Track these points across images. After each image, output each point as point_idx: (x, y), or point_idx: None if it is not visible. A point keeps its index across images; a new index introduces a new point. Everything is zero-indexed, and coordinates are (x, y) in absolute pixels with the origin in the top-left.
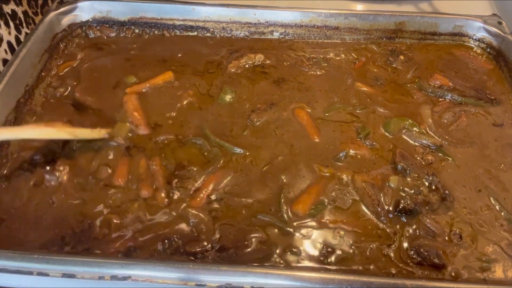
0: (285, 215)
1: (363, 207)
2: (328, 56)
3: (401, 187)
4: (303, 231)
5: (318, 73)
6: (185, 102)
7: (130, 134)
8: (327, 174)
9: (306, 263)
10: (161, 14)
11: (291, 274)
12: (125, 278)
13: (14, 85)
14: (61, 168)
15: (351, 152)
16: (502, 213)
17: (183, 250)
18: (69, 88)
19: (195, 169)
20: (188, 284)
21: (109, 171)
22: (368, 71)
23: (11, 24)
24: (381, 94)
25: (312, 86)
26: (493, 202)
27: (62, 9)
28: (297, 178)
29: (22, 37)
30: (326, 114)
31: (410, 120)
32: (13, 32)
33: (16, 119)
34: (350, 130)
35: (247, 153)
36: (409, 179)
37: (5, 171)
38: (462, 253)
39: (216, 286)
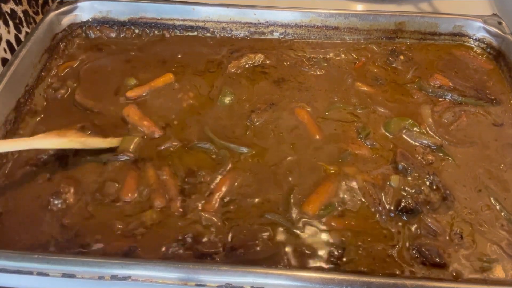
0: (294, 216)
1: (364, 206)
2: (328, 56)
3: (402, 187)
4: (311, 231)
5: (318, 73)
6: (185, 105)
7: (140, 144)
8: (333, 171)
9: (312, 264)
10: (161, 14)
11: (291, 274)
12: (125, 278)
13: (14, 85)
14: (66, 190)
15: (352, 151)
16: (502, 213)
17: (196, 250)
18: (69, 89)
19: (205, 173)
20: (188, 284)
21: (117, 186)
22: (368, 71)
23: (10, 23)
24: (381, 94)
25: (312, 86)
26: (493, 202)
27: (62, 9)
28: (304, 178)
29: (22, 36)
30: (327, 113)
31: (410, 120)
32: (13, 31)
33: (16, 119)
34: (351, 130)
35: (253, 152)
36: (410, 178)
37: (6, 171)
38: (463, 253)
39: (216, 286)
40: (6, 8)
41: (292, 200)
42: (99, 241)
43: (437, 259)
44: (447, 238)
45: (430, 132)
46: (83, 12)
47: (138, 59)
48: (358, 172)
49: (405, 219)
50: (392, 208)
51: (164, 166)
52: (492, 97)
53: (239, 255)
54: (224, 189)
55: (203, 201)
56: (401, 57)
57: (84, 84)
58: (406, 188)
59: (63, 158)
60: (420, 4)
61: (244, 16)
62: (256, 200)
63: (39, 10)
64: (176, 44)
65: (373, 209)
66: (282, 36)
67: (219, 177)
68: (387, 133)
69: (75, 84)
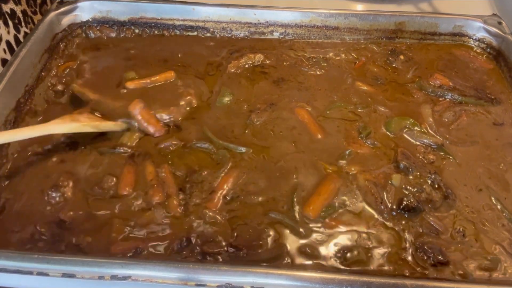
0: (297, 215)
1: (366, 205)
2: (328, 56)
3: (403, 185)
4: (314, 232)
5: (318, 72)
6: (185, 102)
7: (139, 139)
8: (335, 171)
9: (316, 264)
10: (161, 14)
11: (291, 274)
12: (125, 278)
13: (14, 85)
14: (65, 183)
15: (353, 151)
16: (504, 214)
17: (200, 250)
18: (69, 89)
19: (206, 172)
20: (188, 284)
21: (115, 180)
22: (368, 71)
23: (10, 23)
24: (382, 94)
25: (312, 85)
26: (494, 202)
27: (62, 9)
28: (306, 177)
29: (21, 37)
30: (327, 112)
31: (411, 120)
32: (12, 31)
33: (16, 119)
34: (352, 129)
35: (251, 151)
36: (411, 177)
37: (6, 171)
38: (465, 251)
39: (216, 286)
40: (6, 8)
41: (295, 199)
42: (96, 239)
43: (440, 257)
44: (449, 236)
45: (430, 132)
46: (83, 12)
47: (139, 57)
48: (359, 171)
49: (407, 217)
50: (394, 206)
51: (163, 163)
52: (492, 97)
53: (243, 256)
54: (226, 187)
55: (204, 199)
56: (401, 57)
57: (84, 77)
58: (408, 187)
59: (64, 149)
60: (420, 4)
61: (244, 16)
62: (260, 198)
63: (37, 10)
64: (176, 44)
65: (375, 208)
66: (282, 36)
67: (221, 175)
68: (388, 133)
69: (74, 84)
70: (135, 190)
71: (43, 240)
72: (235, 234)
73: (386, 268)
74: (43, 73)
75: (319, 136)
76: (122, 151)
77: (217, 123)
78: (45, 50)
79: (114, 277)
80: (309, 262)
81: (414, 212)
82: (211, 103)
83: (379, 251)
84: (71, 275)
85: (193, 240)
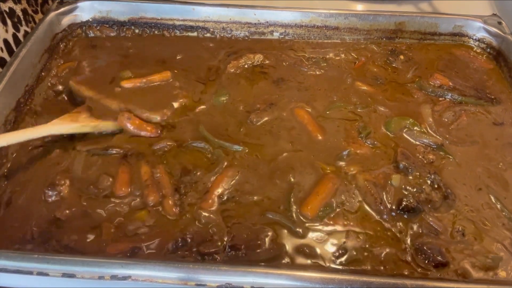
0: (294, 215)
1: (366, 206)
2: (327, 56)
3: (403, 186)
4: (312, 232)
5: (318, 73)
6: (179, 103)
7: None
8: (333, 170)
9: (314, 264)
10: (161, 14)
11: (291, 274)
12: (125, 278)
13: (14, 85)
14: (62, 182)
15: (353, 151)
16: (504, 213)
17: (196, 250)
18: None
19: (200, 172)
20: (188, 284)
21: (111, 180)
22: (368, 71)
23: (9, 22)
24: (381, 93)
25: (312, 85)
26: (494, 201)
27: (62, 9)
28: (304, 177)
29: (20, 35)
30: (327, 112)
31: (411, 119)
32: (11, 30)
33: (16, 119)
34: (352, 129)
35: (246, 150)
36: (411, 177)
37: (5, 171)
38: (465, 251)
39: (216, 286)
40: (5, 7)
41: (292, 199)
42: (92, 239)
43: (439, 258)
44: (449, 236)
45: (430, 131)
46: (83, 12)
47: (137, 56)
48: (359, 171)
49: (407, 218)
50: (393, 207)
51: (158, 164)
52: (492, 97)
53: (241, 256)
54: (221, 186)
55: (199, 199)
56: (401, 57)
57: (81, 75)
58: (407, 187)
59: (62, 148)
60: (420, 4)
61: (244, 16)
62: (256, 197)
63: (39, 9)
64: (175, 45)
65: (374, 208)
66: (282, 36)
67: (216, 175)
68: (388, 132)
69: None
70: (130, 190)
71: (36, 239)
72: (232, 234)
73: (384, 268)
74: (43, 73)
75: (319, 136)
76: (115, 152)
77: (213, 122)
78: (45, 50)
79: (114, 277)
80: (308, 262)
81: (414, 213)
82: (207, 103)
83: (378, 252)
84: (71, 275)
85: (189, 240)
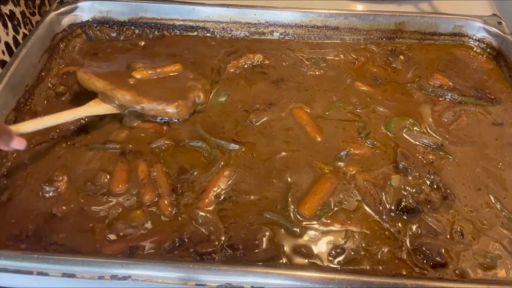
0: (292, 215)
1: (365, 206)
2: (327, 56)
3: (402, 186)
4: (310, 232)
5: (317, 73)
6: (193, 95)
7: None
8: (332, 171)
9: (312, 264)
10: (161, 14)
11: (291, 274)
12: (125, 277)
13: (14, 85)
14: (60, 178)
15: (352, 151)
16: (503, 213)
17: (193, 250)
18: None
19: (197, 172)
20: (188, 284)
21: (108, 177)
22: (368, 71)
23: (9, 25)
24: (381, 94)
25: (311, 86)
26: (493, 201)
27: (62, 9)
28: (302, 177)
29: (19, 38)
30: (327, 113)
31: (411, 120)
32: (11, 33)
33: (16, 119)
34: (351, 129)
35: (243, 149)
36: (410, 178)
37: (5, 171)
38: (464, 251)
39: (216, 286)
40: (5, 9)
41: (290, 199)
42: (87, 237)
43: (438, 258)
44: (448, 236)
45: (430, 132)
46: (83, 12)
47: (146, 51)
48: (358, 172)
49: (406, 218)
50: (392, 207)
51: (156, 163)
52: (492, 97)
53: (239, 256)
54: (218, 186)
55: (196, 198)
56: (401, 57)
57: (88, 67)
58: (407, 188)
59: (62, 143)
60: (420, 4)
61: (244, 16)
62: (253, 197)
63: (36, 11)
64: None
65: (373, 209)
66: (282, 36)
67: (213, 174)
68: (387, 132)
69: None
70: (127, 188)
71: (31, 236)
72: (229, 234)
73: (383, 269)
74: (43, 73)
75: (317, 136)
76: (113, 147)
77: (211, 122)
78: (45, 50)
79: (114, 277)
80: (305, 262)
81: (413, 213)
82: (206, 103)
83: (376, 252)
84: (71, 275)
85: (186, 240)
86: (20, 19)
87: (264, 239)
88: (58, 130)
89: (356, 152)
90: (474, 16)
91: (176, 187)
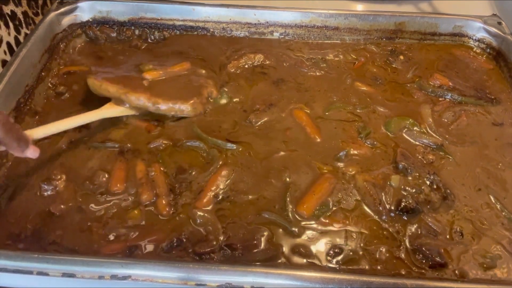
0: (290, 215)
1: (364, 206)
2: (327, 56)
3: (402, 186)
4: (309, 231)
5: (317, 73)
6: (206, 93)
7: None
8: (332, 171)
9: (312, 264)
10: (161, 14)
11: (291, 274)
12: (125, 277)
13: (14, 85)
14: (58, 177)
15: (352, 151)
16: (503, 213)
17: (191, 250)
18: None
19: (196, 172)
20: (188, 284)
21: (106, 176)
22: (368, 71)
23: (11, 25)
24: (381, 94)
25: (311, 86)
26: (493, 201)
27: (62, 9)
28: (301, 177)
29: (21, 38)
30: (327, 113)
31: (410, 120)
32: (13, 33)
33: (16, 119)
34: (351, 129)
35: (240, 148)
36: (410, 178)
37: (5, 171)
38: (463, 251)
39: (216, 286)
40: (7, 9)
41: (288, 198)
42: (85, 236)
43: (438, 259)
44: (448, 237)
45: (430, 132)
46: (83, 12)
47: (152, 52)
48: (358, 172)
49: (405, 218)
50: (392, 208)
51: (154, 162)
52: (492, 97)
53: (239, 256)
54: (216, 186)
55: (194, 198)
56: (401, 57)
57: (96, 73)
58: (407, 188)
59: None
60: (420, 4)
61: (244, 17)
62: (251, 197)
63: (39, 11)
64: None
65: (373, 209)
66: (282, 36)
67: (211, 174)
68: (387, 132)
69: (75, 85)
70: (125, 188)
71: (30, 235)
72: (228, 234)
73: (381, 268)
74: (43, 73)
75: (317, 137)
76: (111, 145)
77: (209, 122)
78: (45, 50)
79: (114, 277)
80: (304, 262)
81: (413, 213)
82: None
83: (376, 252)
84: (71, 275)
85: (184, 240)
86: (22, 19)
87: (263, 239)
88: None
89: (356, 152)
90: (474, 16)
91: (174, 186)
